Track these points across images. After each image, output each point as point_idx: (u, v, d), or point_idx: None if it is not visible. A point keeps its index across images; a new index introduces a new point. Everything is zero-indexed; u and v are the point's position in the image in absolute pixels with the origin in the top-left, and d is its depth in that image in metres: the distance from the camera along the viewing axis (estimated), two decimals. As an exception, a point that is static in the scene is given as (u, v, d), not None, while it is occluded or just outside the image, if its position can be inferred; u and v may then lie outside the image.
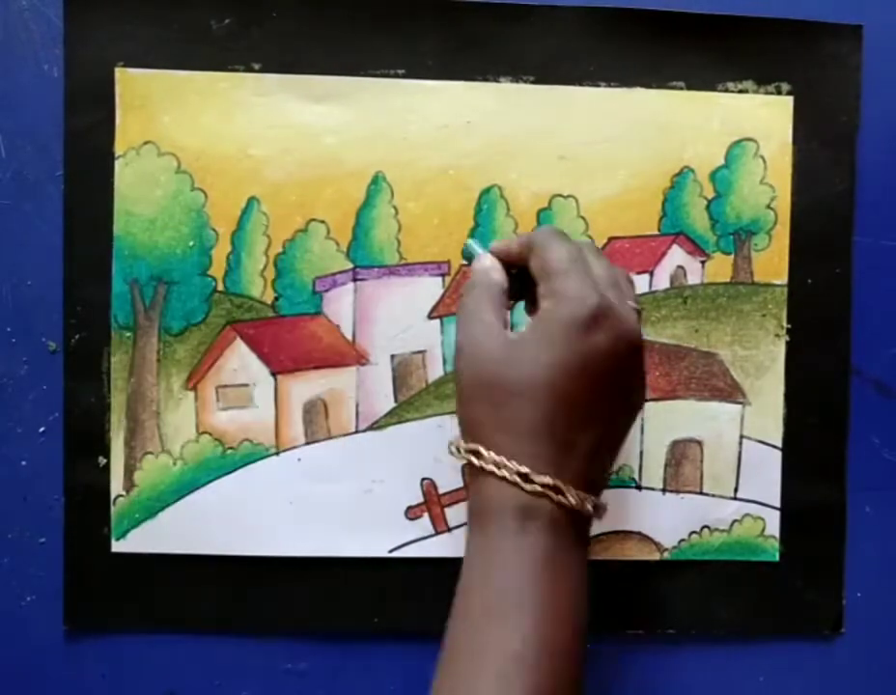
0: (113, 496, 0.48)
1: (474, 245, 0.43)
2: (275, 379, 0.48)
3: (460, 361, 0.40)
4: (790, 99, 0.50)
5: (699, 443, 0.50)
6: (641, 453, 0.50)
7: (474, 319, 0.40)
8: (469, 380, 0.39)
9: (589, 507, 0.38)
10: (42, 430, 0.48)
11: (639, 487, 0.50)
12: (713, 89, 0.49)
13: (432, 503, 0.49)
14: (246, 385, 0.48)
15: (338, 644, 0.50)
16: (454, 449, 0.40)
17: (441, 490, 0.49)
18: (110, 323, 0.48)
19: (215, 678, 0.49)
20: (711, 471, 0.50)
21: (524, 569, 0.37)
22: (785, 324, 0.50)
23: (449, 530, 0.49)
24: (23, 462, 0.48)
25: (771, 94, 0.50)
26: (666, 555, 0.50)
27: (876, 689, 0.52)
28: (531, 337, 0.38)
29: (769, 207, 0.50)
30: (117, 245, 0.48)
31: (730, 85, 0.49)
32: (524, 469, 0.37)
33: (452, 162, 0.49)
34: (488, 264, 0.42)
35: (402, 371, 0.49)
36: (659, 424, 0.50)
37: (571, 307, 0.38)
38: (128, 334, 0.48)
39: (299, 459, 0.49)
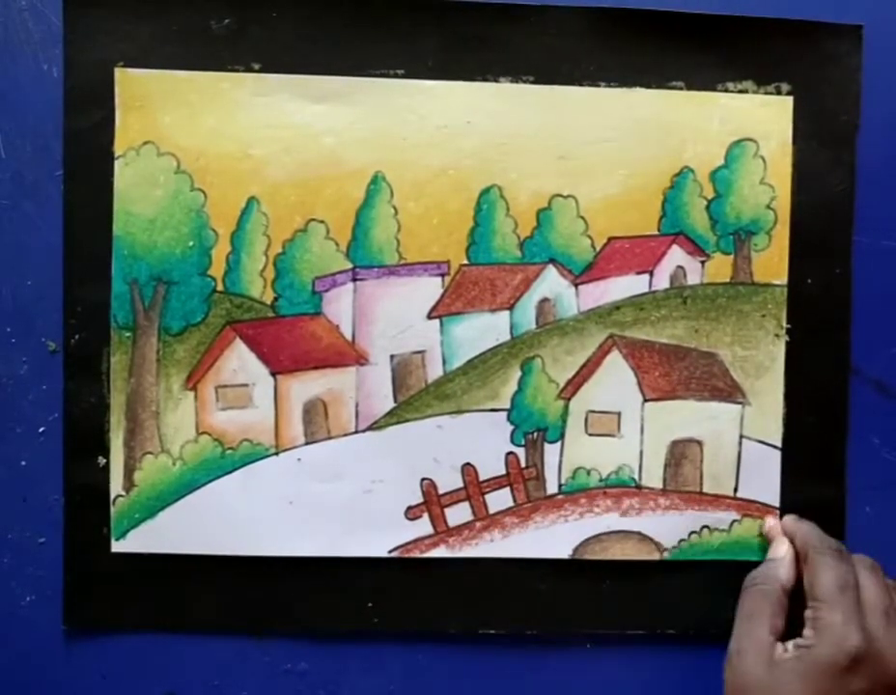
0: (113, 496, 0.48)
1: (774, 526, 0.46)
2: (275, 379, 0.48)
3: (728, 669, 0.41)
4: (790, 99, 0.50)
5: (699, 443, 0.50)
6: (641, 453, 0.50)
7: (748, 628, 0.41)
8: (731, 689, 0.40)
9: None
10: (41, 430, 0.48)
11: (639, 487, 0.50)
12: (713, 89, 0.49)
13: (431, 503, 0.49)
14: (246, 385, 0.48)
15: (338, 644, 0.50)
16: None
17: (441, 490, 0.49)
18: (110, 323, 0.48)
19: (215, 678, 0.49)
20: (711, 471, 0.50)
21: None
22: (785, 324, 0.50)
23: (449, 530, 0.49)
24: (23, 462, 0.48)
25: (771, 94, 0.50)
26: (666, 555, 0.50)
27: None
28: (791, 668, 0.38)
29: (768, 207, 0.50)
30: (117, 245, 0.48)
31: (730, 85, 0.49)
32: None
33: (452, 162, 0.49)
34: (780, 557, 0.43)
35: (401, 371, 0.49)
36: (659, 424, 0.50)
37: (830, 648, 0.38)
38: (128, 334, 0.48)
39: (299, 460, 0.49)
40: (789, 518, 0.48)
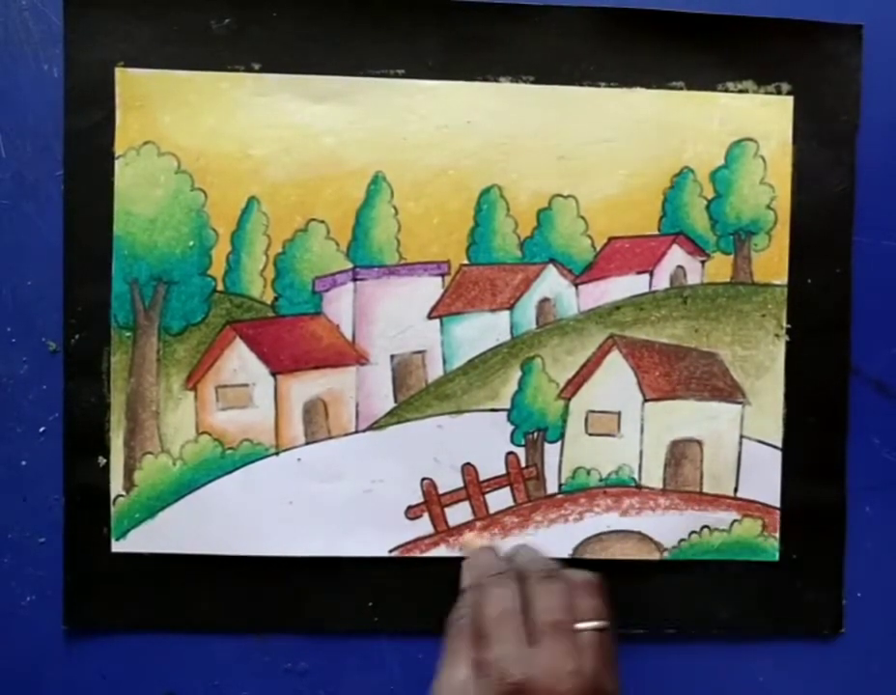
0: (113, 496, 0.48)
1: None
2: (275, 379, 0.48)
3: None
4: (790, 99, 0.50)
5: (699, 443, 0.50)
6: (641, 453, 0.50)
7: (449, 662, 0.39)
8: None
9: None
10: (42, 430, 0.48)
11: (639, 487, 0.50)
12: (713, 89, 0.49)
13: (432, 503, 0.49)
14: (246, 385, 0.48)
15: (338, 644, 0.50)
16: None
17: (441, 490, 0.49)
18: (110, 323, 0.48)
19: (215, 678, 0.49)
20: (710, 471, 0.50)
21: None
22: (785, 324, 0.50)
23: (449, 530, 0.49)
24: (23, 462, 0.48)
25: (771, 94, 0.50)
26: (666, 555, 0.50)
27: (876, 689, 0.52)
28: None
29: (769, 207, 0.50)
30: (117, 245, 0.48)
31: (730, 85, 0.49)
32: None
33: (452, 162, 0.49)
34: (466, 585, 0.41)
35: (401, 371, 0.49)
36: (659, 424, 0.50)
37: (491, 687, 0.36)
38: (128, 334, 0.48)
39: (299, 459, 0.49)
40: (470, 546, 0.47)
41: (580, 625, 0.38)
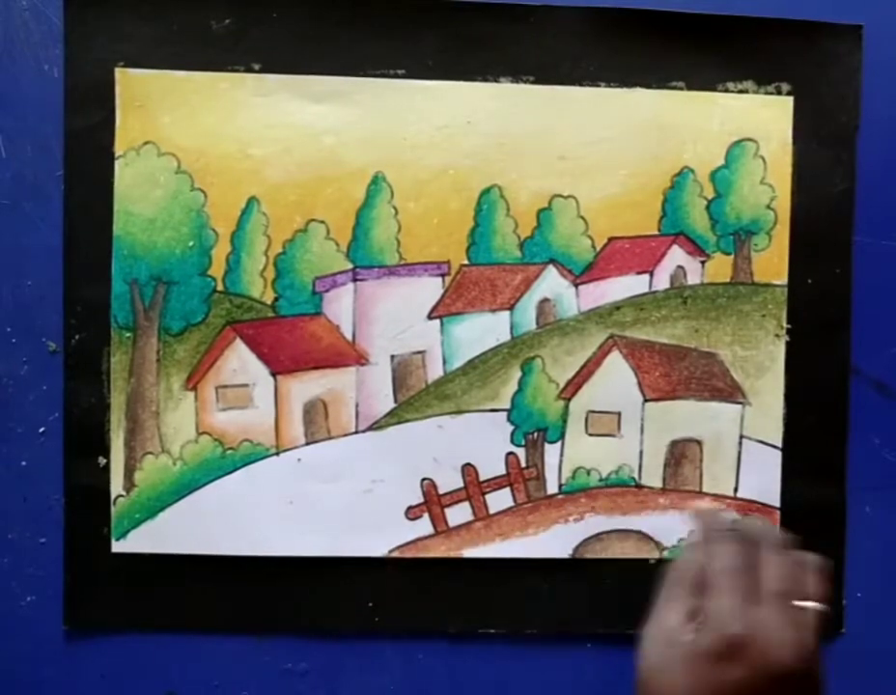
0: (113, 496, 0.48)
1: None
2: (275, 379, 0.48)
3: (639, 652, 0.40)
4: (790, 99, 0.50)
5: (699, 443, 0.50)
6: (641, 452, 0.50)
7: (656, 612, 0.39)
8: (638, 675, 0.39)
9: None
10: (42, 430, 0.48)
11: (639, 487, 0.50)
12: (713, 89, 0.49)
13: (432, 503, 0.49)
14: (246, 385, 0.48)
15: (338, 644, 0.50)
16: None
17: (441, 490, 0.49)
18: (110, 323, 0.48)
19: (215, 678, 0.49)
20: (710, 471, 0.50)
21: None
22: (785, 324, 0.50)
23: (449, 530, 0.49)
24: (23, 462, 0.48)
25: (771, 94, 0.50)
26: (666, 554, 0.50)
27: (876, 689, 0.52)
28: (680, 651, 0.38)
29: (769, 207, 0.50)
30: (117, 245, 0.48)
31: (730, 85, 0.49)
32: None
33: (452, 162, 0.49)
34: (688, 543, 0.41)
35: (401, 371, 0.49)
36: (659, 424, 0.50)
37: (709, 634, 0.37)
38: (128, 334, 0.48)
39: (299, 460, 0.49)
40: (700, 508, 0.48)
41: (805, 603, 0.38)
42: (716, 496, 0.50)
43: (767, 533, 0.42)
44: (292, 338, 0.48)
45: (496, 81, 0.49)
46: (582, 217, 0.49)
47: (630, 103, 0.49)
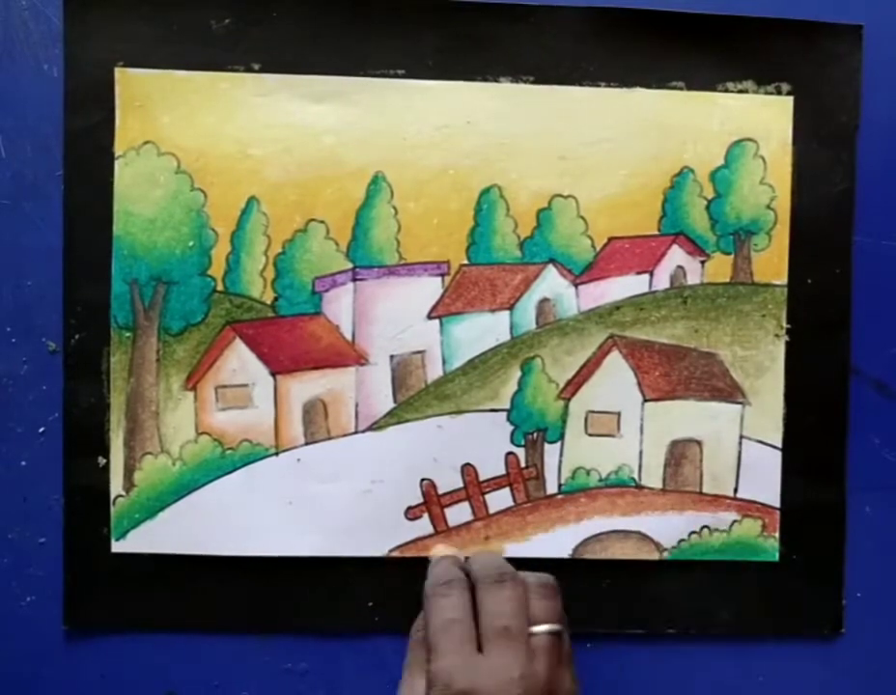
0: (113, 496, 0.48)
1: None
2: (275, 379, 0.48)
3: None
4: (790, 99, 0.50)
5: (699, 443, 0.50)
6: (641, 452, 0.50)
7: (406, 678, 0.39)
8: None
9: None
10: (41, 430, 0.48)
11: (639, 487, 0.50)
12: (713, 89, 0.49)
13: (431, 503, 0.49)
14: (246, 385, 0.48)
15: (338, 644, 0.50)
16: None
17: (441, 491, 0.49)
18: (110, 323, 0.48)
19: (215, 678, 0.49)
20: (710, 471, 0.50)
21: None
22: (785, 324, 0.50)
23: (449, 530, 0.49)
24: (23, 462, 0.48)
25: (771, 94, 0.50)
26: (666, 555, 0.50)
27: (876, 689, 0.52)
28: None
29: (769, 207, 0.50)
30: (117, 245, 0.48)
31: (730, 85, 0.49)
32: None
33: (452, 162, 0.49)
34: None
35: (401, 371, 0.49)
36: (659, 424, 0.50)
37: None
38: (128, 334, 0.48)
39: (299, 460, 0.49)
40: (434, 556, 0.46)
41: (533, 629, 0.38)
42: (716, 496, 0.50)
43: (485, 568, 0.41)
44: (291, 338, 0.49)
45: (496, 81, 0.49)
46: (582, 217, 0.49)
47: (630, 103, 0.49)
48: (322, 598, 0.49)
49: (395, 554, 0.49)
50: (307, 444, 0.49)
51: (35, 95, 0.48)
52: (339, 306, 0.49)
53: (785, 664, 0.51)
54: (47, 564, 0.48)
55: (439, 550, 0.48)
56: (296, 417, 0.49)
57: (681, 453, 0.50)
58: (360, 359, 0.49)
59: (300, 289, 0.48)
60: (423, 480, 0.49)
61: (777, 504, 0.50)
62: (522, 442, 0.49)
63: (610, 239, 0.49)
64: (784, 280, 0.50)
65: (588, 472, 0.50)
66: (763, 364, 0.50)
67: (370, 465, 0.49)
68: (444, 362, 0.49)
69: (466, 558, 0.45)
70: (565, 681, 0.38)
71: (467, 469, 0.49)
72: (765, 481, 0.50)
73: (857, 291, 0.50)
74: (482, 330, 0.49)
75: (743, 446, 0.50)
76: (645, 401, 0.50)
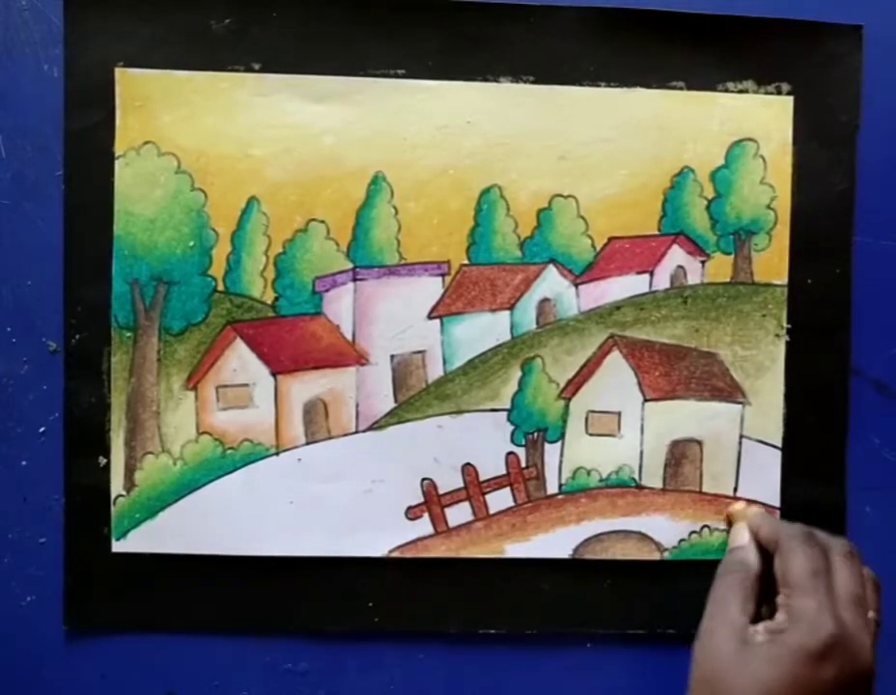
0: (113, 496, 0.48)
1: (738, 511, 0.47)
2: (275, 379, 0.48)
3: (697, 648, 0.40)
4: (790, 99, 0.50)
5: (699, 443, 0.50)
6: (641, 452, 0.50)
7: (720, 609, 0.40)
8: (698, 671, 0.40)
9: None
10: (42, 430, 0.48)
11: (639, 487, 0.50)
12: (713, 89, 0.49)
13: (432, 503, 0.49)
14: (246, 385, 0.48)
15: (338, 644, 0.50)
16: None
17: (441, 490, 0.49)
18: (110, 323, 0.48)
19: (215, 678, 0.49)
20: (710, 471, 0.50)
21: None
22: (785, 324, 0.50)
23: (449, 530, 0.49)
24: (23, 462, 0.48)
25: (771, 94, 0.50)
26: (666, 555, 0.50)
27: (876, 689, 0.52)
28: (762, 652, 0.38)
29: (769, 207, 0.50)
30: (117, 245, 0.48)
31: (730, 85, 0.49)
32: None
33: (452, 162, 0.49)
34: (746, 544, 0.43)
35: (401, 371, 0.49)
36: (659, 424, 0.50)
37: (803, 634, 0.38)
38: (129, 334, 0.48)
39: (299, 460, 0.49)
40: (755, 511, 0.48)
41: (871, 614, 0.40)
42: (716, 496, 0.50)
43: (835, 540, 0.43)
44: (292, 338, 0.49)
45: (496, 81, 0.49)
46: (582, 217, 0.49)
47: (630, 103, 0.49)
48: (321, 598, 0.49)
49: (395, 554, 0.49)
50: (308, 444, 0.49)
51: (35, 95, 0.48)
52: (339, 306, 0.49)
53: (785, 664, 0.51)
54: (47, 564, 0.48)
55: (741, 507, 0.49)
56: (297, 417, 0.49)
57: (681, 453, 0.50)
58: (361, 359, 0.49)
59: (301, 289, 0.48)
60: (423, 480, 0.49)
61: (777, 504, 0.50)
62: (523, 442, 0.49)
63: (610, 239, 0.49)
64: (784, 280, 0.50)
65: (588, 472, 0.50)
66: (763, 364, 0.50)
67: (370, 465, 0.49)
68: (445, 362, 0.49)
69: None
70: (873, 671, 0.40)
71: (468, 469, 0.49)
72: (765, 481, 0.50)
73: (857, 291, 0.50)
74: (482, 330, 0.49)
75: (743, 446, 0.50)
76: (645, 400, 0.50)
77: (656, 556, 0.50)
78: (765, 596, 0.43)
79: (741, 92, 0.49)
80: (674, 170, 0.49)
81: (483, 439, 0.49)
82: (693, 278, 0.50)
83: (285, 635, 0.49)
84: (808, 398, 0.50)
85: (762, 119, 0.49)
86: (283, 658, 0.50)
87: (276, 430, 0.49)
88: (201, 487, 0.48)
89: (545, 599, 0.50)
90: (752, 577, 0.42)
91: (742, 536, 0.44)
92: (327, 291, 0.49)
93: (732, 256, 0.50)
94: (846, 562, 0.41)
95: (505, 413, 0.49)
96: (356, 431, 0.49)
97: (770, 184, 0.50)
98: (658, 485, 0.50)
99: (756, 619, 0.42)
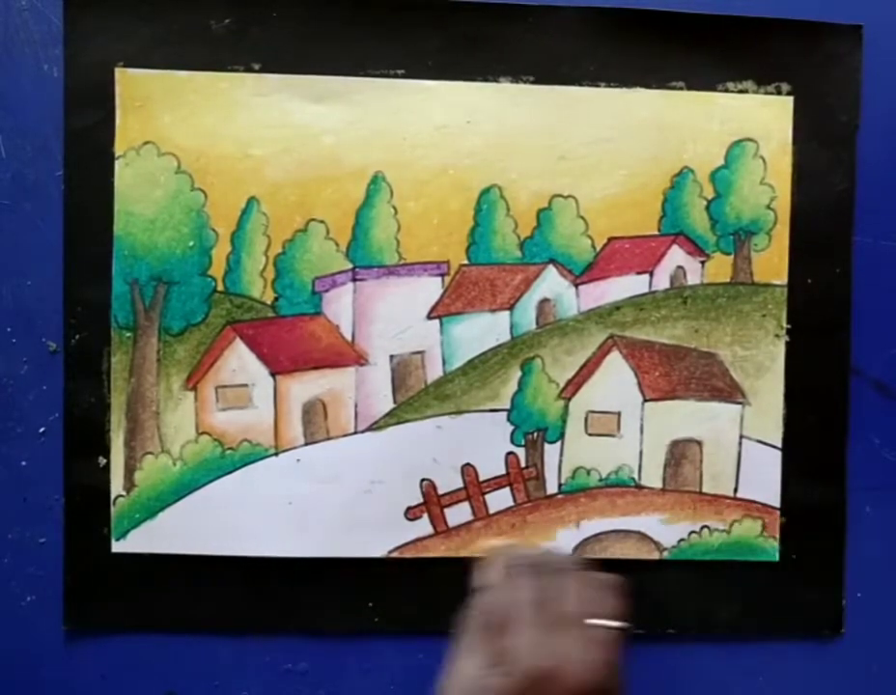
0: (113, 496, 0.48)
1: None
2: (274, 380, 0.48)
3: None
4: (790, 99, 0.50)
5: (699, 443, 0.50)
6: (641, 452, 0.50)
7: (463, 656, 0.39)
8: None
9: None
10: (42, 430, 0.48)
11: (639, 487, 0.50)
12: (713, 89, 0.49)
13: (431, 503, 0.49)
14: (245, 385, 0.48)
15: (338, 644, 0.50)
16: None
17: (441, 491, 0.49)
18: (110, 323, 0.48)
19: (215, 678, 0.49)
20: (710, 471, 0.50)
21: None
22: (785, 324, 0.50)
23: (448, 530, 0.49)
24: (23, 462, 0.48)
25: (771, 94, 0.50)
26: (666, 555, 0.50)
27: (876, 689, 0.52)
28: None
29: (769, 207, 0.50)
30: (117, 245, 0.48)
31: (730, 85, 0.49)
32: None
33: (452, 162, 0.49)
34: (488, 583, 0.41)
35: (401, 371, 0.49)
36: (659, 424, 0.50)
37: (512, 675, 0.36)
38: (128, 334, 0.48)
39: (298, 460, 0.49)
40: (501, 545, 0.47)
41: (606, 622, 0.39)
42: (716, 496, 0.50)
43: (563, 561, 0.42)
44: (291, 338, 0.49)
45: (496, 81, 0.49)
46: (582, 217, 0.49)
47: (630, 103, 0.49)
48: (321, 598, 0.49)
49: (395, 555, 0.49)
50: (307, 444, 0.49)
51: (35, 95, 0.48)
52: (339, 306, 0.49)
53: (785, 664, 0.51)
54: (47, 564, 0.48)
55: (491, 543, 0.48)
56: (296, 417, 0.49)
57: (681, 453, 0.50)
58: (360, 359, 0.49)
59: (300, 289, 0.48)
60: (423, 480, 0.49)
61: (777, 504, 0.50)
62: (522, 442, 0.49)
63: (610, 239, 0.49)
64: (784, 280, 0.50)
65: (588, 472, 0.50)
66: (763, 364, 0.50)
67: (369, 466, 0.49)
68: (444, 362, 0.49)
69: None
70: (620, 675, 0.39)
71: (467, 469, 0.49)
72: (765, 481, 0.50)
73: (857, 291, 0.50)
74: (482, 330, 0.49)
75: (743, 446, 0.50)
76: (645, 401, 0.50)
77: (655, 556, 0.50)
78: (500, 636, 0.40)
79: (740, 92, 0.49)
80: (674, 170, 0.49)
81: (482, 439, 0.49)
82: (693, 278, 0.50)
83: (285, 635, 0.49)
84: (808, 398, 0.50)
85: (762, 119, 0.49)
86: (283, 658, 0.50)
87: (275, 430, 0.49)
88: (200, 488, 0.48)
89: (544, 599, 0.50)
90: (489, 619, 0.39)
91: (486, 575, 0.42)
92: (327, 291, 0.49)
93: (732, 256, 0.50)
94: (573, 580, 0.40)
95: (505, 413, 0.49)
96: (355, 432, 0.49)
97: (769, 184, 0.50)
98: (658, 485, 0.50)
99: (494, 662, 0.39)
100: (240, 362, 0.48)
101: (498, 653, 0.38)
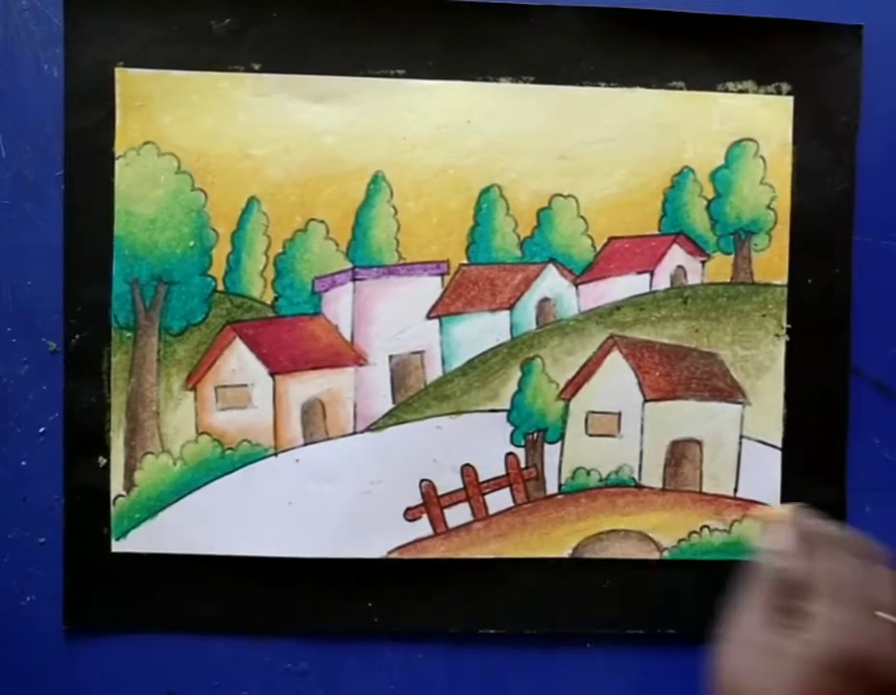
0: (113, 496, 0.48)
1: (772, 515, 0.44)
2: (274, 380, 0.48)
3: (721, 652, 0.39)
4: (790, 99, 0.50)
5: (699, 443, 0.50)
6: (641, 452, 0.50)
7: (749, 615, 0.39)
8: (723, 676, 0.39)
9: None
10: (42, 430, 0.48)
11: (639, 487, 0.50)
12: (713, 89, 0.49)
13: (431, 504, 0.49)
14: (245, 385, 0.48)
15: (338, 644, 0.50)
16: None
17: (440, 491, 0.49)
18: (110, 323, 0.48)
19: (215, 678, 0.49)
20: (710, 471, 0.50)
21: None
22: (785, 324, 0.50)
23: (448, 531, 0.49)
24: (23, 462, 0.48)
25: (771, 94, 0.50)
26: (666, 555, 0.50)
27: None
28: (788, 659, 0.37)
29: (769, 207, 0.50)
30: (117, 245, 0.48)
31: (730, 85, 0.49)
32: None
33: (451, 162, 0.49)
34: (785, 549, 0.41)
35: (400, 371, 0.49)
36: (659, 424, 0.50)
37: (830, 646, 0.36)
38: (129, 334, 0.48)
39: (298, 460, 0.49)
40: (790, 509, 0.47)
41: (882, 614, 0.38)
42: (716, 496, 0.50)
43: (872, 546, 0.41)
44: (291, 338, 0.49)
45: (496, 81, 0.49)
46: (582, 217, 0.49)
47: (630, 103, 0.49)
48: (321, 598, 0.49)
49: (394, 555, 0.49)
50: (305, 444, 0.49)
51: (35, 95, 0.48)
52: (338, 306, 0.49)
53: (785, 664, 0.51)
54: (47, 564, 0.49)
55: (777, 510, 0.48)
56: (295, 417, 0.49)
57: (681, 453, 0.50)
58: (359, 359, 0.49)
59: (300, 289, 0.48)
60: (422, 481, 0.49)
61: (777, 504, 0.50)
62: (522, 442, 0.49)
63: (610, 239, 0.49)
64: (784, 280, 0.50)
65: (588, 472, 0.50)
66: (763, 364, 0.50)
67: (369, 466, 0.49)
68: (444, 362, 0.49)
69: None
70: None
71: (467, 470, 0.49)
72: (765, 481, 0.50)
73: (857, 291, 0.50)
74: (482, 330, 0.49)
75: (743, 446, 0.50)
76: (645, 401, 0.50)
77: (655, 556, 0.50)
78: (796, 600, 0.42)
79: (740, 92, 0.49)
80: (674, 170, 0.49)
81: (482, 440, 0.49)
82: (693, 278, 0.50)
83: (285, 635, 0.49)
84: (808, 398, 0.50)
85: (762, 119, 0.49)
86: (283, 658, 0.50)
87: (275, 430, 0.49)
88: (200, 488, 0.48)
89: (545, 599, 0.50)
90: (787, 584, 0.40)
91: (781, 539, 0.43)
92: (327, 291, 0.49)
93: (732, 256, 0.50)
94: (884, 570, 0.40)
95: (505, 414, 0.49)
96: (354, 432, 0.49)
97: (769, 184, 0.50)
98: (658, 485, 0.50)
99: (786, 624, 0.40)
100: (240, 362, 0.48)
101: (794, 615, 0.37)
